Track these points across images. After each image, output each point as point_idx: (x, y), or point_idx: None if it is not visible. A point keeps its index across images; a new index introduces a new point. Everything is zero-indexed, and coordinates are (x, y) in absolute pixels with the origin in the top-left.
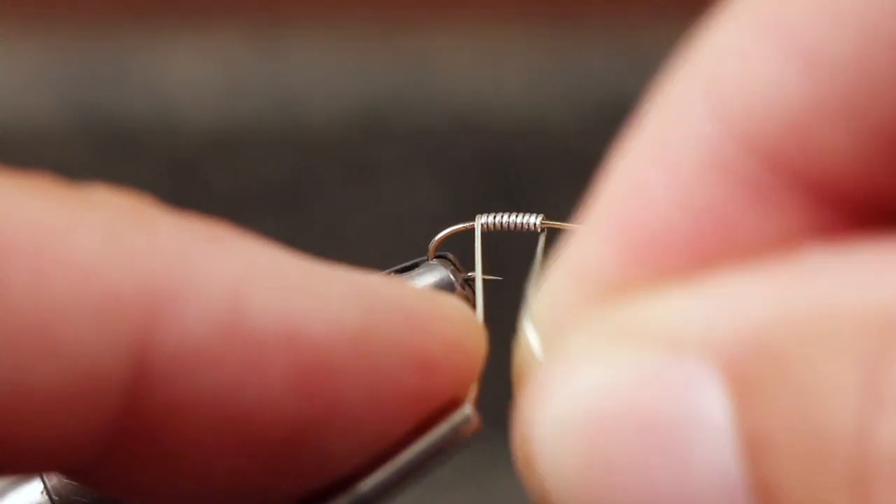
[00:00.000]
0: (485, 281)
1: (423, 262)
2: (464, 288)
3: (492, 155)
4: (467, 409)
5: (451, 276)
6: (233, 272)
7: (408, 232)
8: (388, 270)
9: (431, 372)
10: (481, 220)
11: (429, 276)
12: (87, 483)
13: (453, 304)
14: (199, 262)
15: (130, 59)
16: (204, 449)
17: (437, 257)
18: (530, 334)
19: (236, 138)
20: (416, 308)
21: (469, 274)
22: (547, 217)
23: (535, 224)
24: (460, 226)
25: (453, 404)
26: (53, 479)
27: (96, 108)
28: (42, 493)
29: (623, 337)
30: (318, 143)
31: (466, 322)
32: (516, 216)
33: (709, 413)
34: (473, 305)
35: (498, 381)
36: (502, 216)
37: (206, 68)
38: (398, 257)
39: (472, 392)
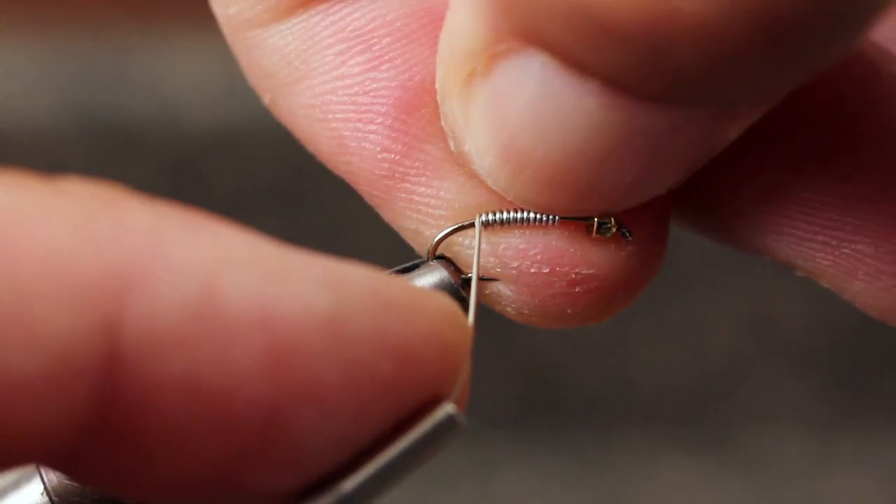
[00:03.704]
0: (482, 280)
1: (423, 262)
2: (462, 288)
3: None
4: (449, 408)
5: (450, 277)
6: (204, 256)
7: None
8: (389, 271)
9: (407, 363)
10: (481, 219)
11: (429, 277)
12: (71, 473)
13: (437, 298)
14: (171, 246)
15: (130, 60)
16: (181, 433)
17: (437, 258)
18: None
19: (236, 138)
20: (393, 298)
21: (469, 274)
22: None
23: (552, 219)
24: (459, 225)
25: (437, 402)
26: (54, 480)
27: (96, 108)
28: (42, 493)
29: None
30: None
31: (448, 317)
32: (528, 212)
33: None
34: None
35: (497, 381)
36: (508, 213)
37: (206, 68)
38: (398, 257)
39: (457, 390)
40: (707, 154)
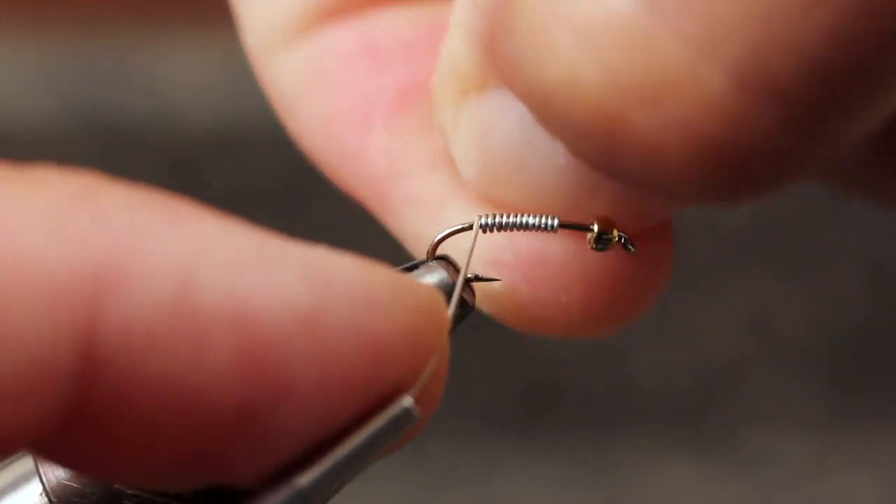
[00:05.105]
0: (482, 281)
1: (422, 263)
2: (462, 289)
3: None
4: (406, 402)
5: (450, 278)
6: (181, 250)
7: None
8: None
9: (383, 358)
10: (481, 221)
11: (427, 278)
12: (49, 458)
13: (418, 291)
14: (148, 241)
15: (130, 60)
16: (156, 426)
17: (437, 258)
18: None
19: (236, 138)
20: (372, 291)
21: (470, 275)
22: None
23: (551, 225)
24: (459, 226)
25: (397, 394)
26: (52, 481)
27: (96, 108)
28: (41, 494)
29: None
30: None
31: (428, 313)
32: (527, 217)
33: None
34: (472, 306)
35: (497, 381)
36: (508, 217)
37: (206, 68)
38: (398, 258)
39: (420, 383)
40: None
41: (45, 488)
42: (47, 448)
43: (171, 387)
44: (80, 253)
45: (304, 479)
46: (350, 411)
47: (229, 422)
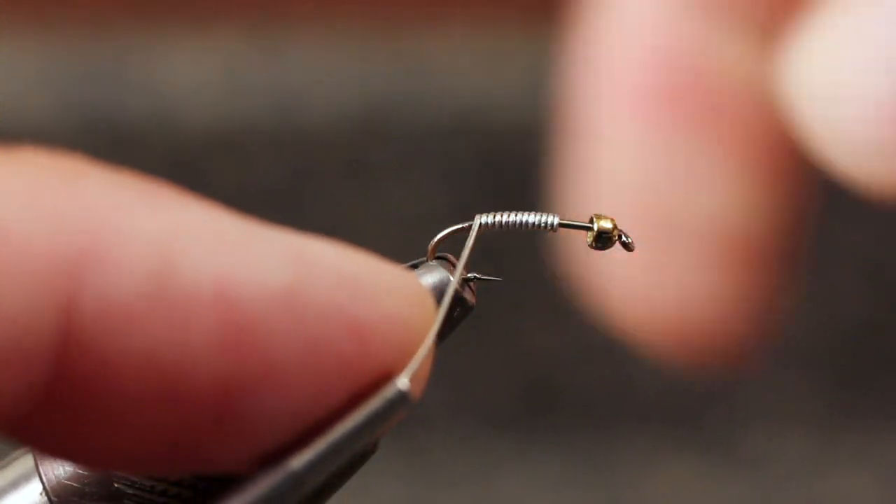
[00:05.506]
0: (482, 280)
1: (422, 262)
2: (462, 288)
3: (492, 155)
4: (400, 383)
5: (451, 277)
6: (161, 229)
7: (408, 232)
8: None
9: (367, 341)
10: (481, 220)
11: (428, 277)
12: (25, 441)
13: (401, 276)
14: (127, 219)
15: (130, 60)
16: (135, 406)
17: (437, 258)
18: None
19: (236, 138)
20: (356, 275)
21: (470, 275)
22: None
23: (550, 224)
24: (459, 226)
25: (389, 378)
26: (52, 480)
27: (96, 108)
28: (41, 493)
29: None
30: (318, 143)
31: (412, 295)
32: (527, 215)
33: None
34: (471, 306)
35: (497, 381)
36: (508, 215)
37: (206, 68)
38: (398, 257)
39: (412, 366)
40: None
41: (44, 487)
42: (28, 429)
43: (152, 365)
44: (59, 230)
45: (298, 461)
46: (338, 394)
47: (214, 402)
